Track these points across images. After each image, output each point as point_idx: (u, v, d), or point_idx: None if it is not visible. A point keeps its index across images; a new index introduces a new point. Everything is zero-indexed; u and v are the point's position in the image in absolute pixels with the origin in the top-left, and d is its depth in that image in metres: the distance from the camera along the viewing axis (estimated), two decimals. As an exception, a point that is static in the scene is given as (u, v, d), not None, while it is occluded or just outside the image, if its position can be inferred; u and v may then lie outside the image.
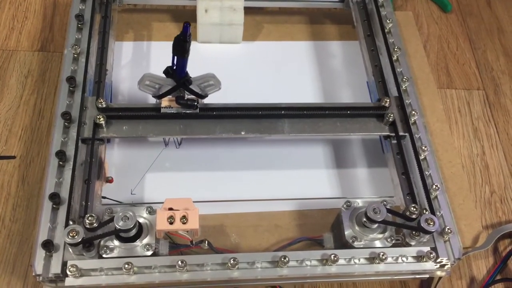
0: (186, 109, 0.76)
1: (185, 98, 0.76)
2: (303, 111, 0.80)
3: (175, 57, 0.71)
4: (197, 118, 0.78)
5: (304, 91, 0.96)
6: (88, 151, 0.74)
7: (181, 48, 0.69)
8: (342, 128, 0.81)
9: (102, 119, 0.75)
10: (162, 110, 0.77)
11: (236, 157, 0.86)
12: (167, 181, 0.83)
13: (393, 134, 0.80)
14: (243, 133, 0.78)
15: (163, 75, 0.75)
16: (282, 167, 0.86)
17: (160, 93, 0.75)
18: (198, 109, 0.76)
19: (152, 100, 0.88)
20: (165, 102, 0.77)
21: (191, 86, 0.75)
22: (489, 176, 0.91)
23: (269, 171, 0.85)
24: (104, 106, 0.77)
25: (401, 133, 0.80)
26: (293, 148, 0.88)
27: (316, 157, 0.88)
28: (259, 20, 1.05)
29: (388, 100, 0.81)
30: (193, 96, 0.76)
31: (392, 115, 0.80)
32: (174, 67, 0.72)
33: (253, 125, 0.79)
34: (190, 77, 0.74)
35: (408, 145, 0.79)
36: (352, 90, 0.97)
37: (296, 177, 0.85)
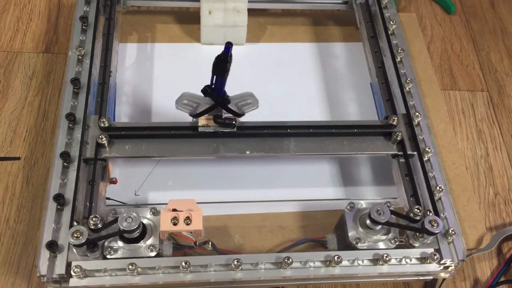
0: (223, 128, 0.76)
1: (223, 117, 0.75)
2: (309, 129, 0.79)
3: (214, 76, 0.69)
4: (233, 137, 0.78)
5: (308, 92, 0.96)
6: (91, 170, 0.73)
7: (221, 68, 0.68)
8: (349, 148, 0.79)
9: (104, 138, 0.74)
10: (200, 129, 0.76)
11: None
12: (170, 182, 0.83)
13: (401, 153, 0.79)
14: (247, 152, 0.77)
15: (201, 94, 0.73)
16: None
17: (198, 112, 0.74)
18: (235, 127, 0.76)
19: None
20: (202, 121, 0.76)
21: (229, 105, 0.74)
22: (493, 178, 0.91)
23: (273, 174, 0.85)
24: (106, 125, 0.75)
25: (409, 152, 0.78)
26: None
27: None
28: (262, 22, 1.05)
29: (396, 118, 0.80)
30: (231, 115, 0.75)
31: (400, 134, 0.79)
32: (213, 86, 0.71)
33: (258, 144, 0.78)
34: (228, 96, 0.73)
35: (416, 161, 0.78)
36: (356, 91, 0.97)
37: (300, 179, 0.85)
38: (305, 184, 0.85)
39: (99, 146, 0.75)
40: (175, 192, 0.82)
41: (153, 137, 0.77)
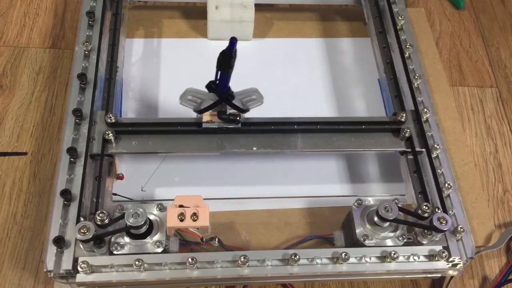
0: (228, 124, 0.76)
1: (227, 113, 0.75)
2: (316, 126, 0.79)
3: (219, 72, 0.69)
4: (238, 133, 0.77)
5: (315, 88, 0.96)
6: (98, 166, 0.73)
7: (226, 63, 0.67)
8: (357, 144, 0.79)
9: (111, 134, 0.74)
10: (204, 125, 0.76)
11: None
12: (177, 178, 0.83)
13: (409, 150, 0.78)
14: (254, 148, 0.77)
15: (205, 89, 0.72)
16: (293, 172, 0.85)
17: (202, 107, 0.74)
18: (240, 123, 0.76)
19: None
20: (206, 117, 0.76)
21: (233, 101, 0.73)
22: (502, 175, 0.90)
23: (280, 170, 0.85)
24: (113, 121, 0.75)
25: (417, 149, 0.78)
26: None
27: (327, 162, 0.87)
28: (269, 17, 1.04)
29: (404, 115, 0.79)
30: (235, 111, 0.74)
31: (408, 130, 0.78)
32: (217, 82, 0.70)
33: (265, 140, 0.78)
34: (233, 91, 0.72)
35: (424, 158, 0.77)
36: (364, 87, 0.96)
37: (307, 175, 0.85)
38: (312, 181, 0.84)
39: (105, 141, 0.74)
40: (181, 188, 0.81)
41: (159, 133, 0.77)
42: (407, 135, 0.78)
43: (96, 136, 0.75)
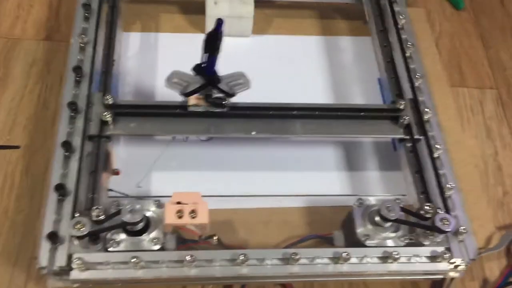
0: (214, 108, 0.75)
1: (213, 97, 0.74)
2: (315, 112, 0.79)
3: (206, 54, 0.68)
4: (223, 117, 0.76)
5: (313, 86, 0.94)
6: (95, 146, 0.72)
7: (212, 45, 0.66)
8: (355, 130, 0.79)
9: (108, 116, 0.73)
10: (190, 109, 0.75)
11: (245, 155, 0.84)
12: (174, 175, 0.81)
13: (408, 137, 0.78)
14: (253, 133, 0.76)
15: (190, 73, 0.73)
16: (292, 165, 0.84)
17: (188, 90, 0.73)
18: (225, 107, 0.75)
19: (160, 95, 0.87)
20: (192, 100, 0.75)
21: (219, 85, 0.73)
22: (502, 177, 0.89)
23: (279, 166, 0.84)
24: (111, 102, 0.74)
25: (416, 136, 0.78)
26: (304, 148, 0.86)
27: (327, 156, 0.86)
28: (268, 14, 1.03)
29: (403, 102, 0.79)
30: (222, 95, 0.74)
31: (407, 118, 0.78)
32: (203, 65, 0.70)
33: (264, 125, 0.77)
34: (219, 75, 0.72)
35: (423, 146, 0.77)
36: (363, 86, 0.95)
37: (307, 173, 0.83)
38: (311, 179, 0.83)
39: (103, 123, 0.73)
40: (178, 185, 0.80)
41: (158, 115, 0.76)
42: (405, 122, 0.78)
43: (93, 118, 0.74)
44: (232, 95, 0.74)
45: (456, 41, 1.07)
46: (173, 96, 0.75)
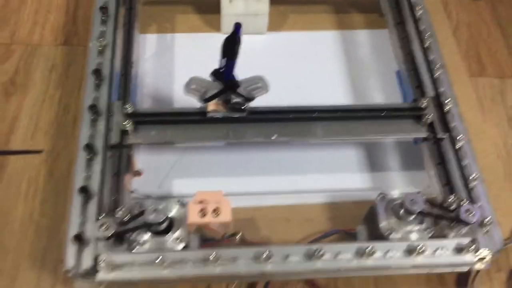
0: (233, 113, 0.75)
1: (232, 102, 0.73)
2: (336, 113, 0.78)
3: (224, 59, 0.68)
4: (243, 122, 0.76)
5: (330, 82, 0.94)
6: (115, 162, 0.72)
7: (230, 49, 0.66)
8: (378, 130, 0.78)
9: (129, 125, 0.73)
10: (209, 114, 0.75)
11: (266, 158, 0.84)
12: (195, 178, 0.81)
13: (431, 136, 0.77)
14: (274, 137, 0.76)
15: (209, 78, 0.72)
16: (313, 166, 0.84)
17: (207, 96, 0.72)
18: (245, 112, 0.75)
19: (178, 97, 0.86)
20: (211, 106, 0.74)
21: (238, 89, 0.72)
22: (525, 166, 0.88)
23: (300, 169, 0.83)
24: (130, 111, 0.74)
25: (439, 136, 0.77)
26: (324, 149, 0.85)
27: (348, 156, 0.85)
28: (283, 10, 1.03)
29: (425, 101, 0.78)
30: (240, 99, 0.73)
31: (430, 117, 0.77)
32: (222, 70, 0.69)
33: (284, 129, 0.77)
34: (237, 79, 0.71)
35: (446, 141, 0.76)
36: (381, 80, 0.94)
37: (328, 175, 0.83)
38: (332, 174, 0.83)
39: (123, 133, 0.74)
40: (199, 184, 0.80)
41: (179, 122, 0.76)
42: (428, 121, 0.77)
43: (114, 127, 0.74)
44: (251, 99, 0.73)
45: (474, 30, 1.05)
46: (191, 99, 0.75)
